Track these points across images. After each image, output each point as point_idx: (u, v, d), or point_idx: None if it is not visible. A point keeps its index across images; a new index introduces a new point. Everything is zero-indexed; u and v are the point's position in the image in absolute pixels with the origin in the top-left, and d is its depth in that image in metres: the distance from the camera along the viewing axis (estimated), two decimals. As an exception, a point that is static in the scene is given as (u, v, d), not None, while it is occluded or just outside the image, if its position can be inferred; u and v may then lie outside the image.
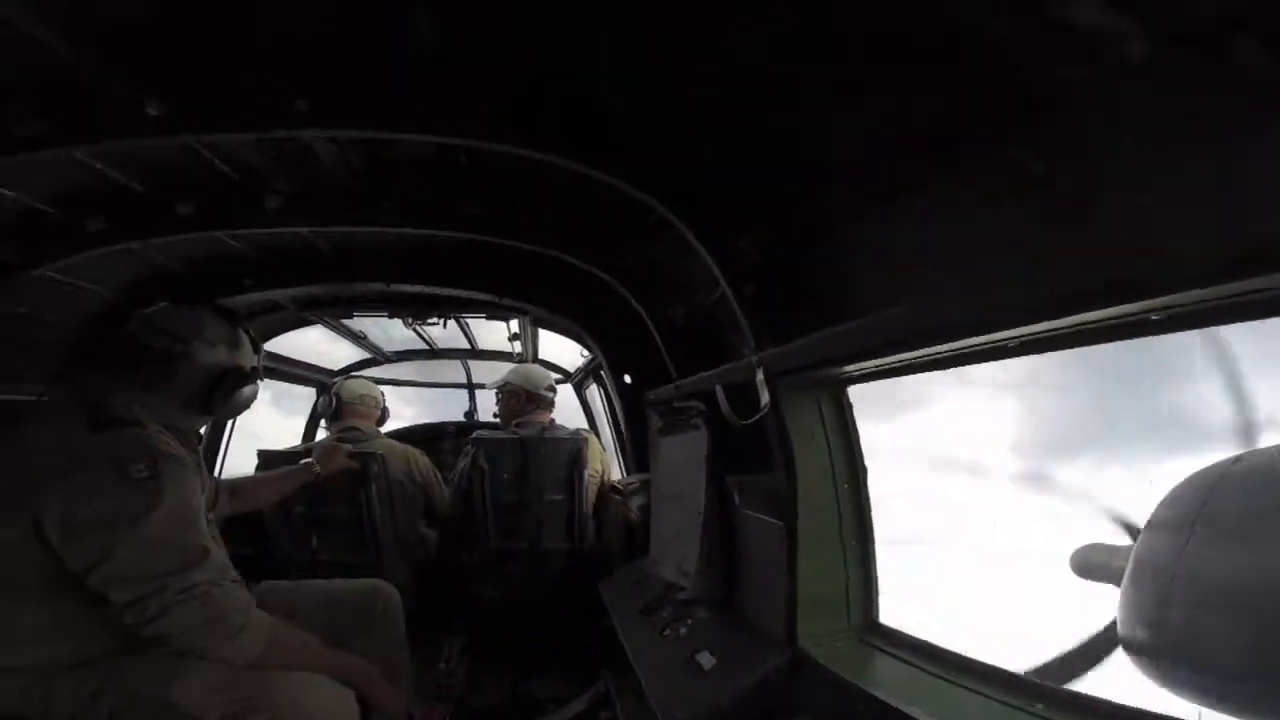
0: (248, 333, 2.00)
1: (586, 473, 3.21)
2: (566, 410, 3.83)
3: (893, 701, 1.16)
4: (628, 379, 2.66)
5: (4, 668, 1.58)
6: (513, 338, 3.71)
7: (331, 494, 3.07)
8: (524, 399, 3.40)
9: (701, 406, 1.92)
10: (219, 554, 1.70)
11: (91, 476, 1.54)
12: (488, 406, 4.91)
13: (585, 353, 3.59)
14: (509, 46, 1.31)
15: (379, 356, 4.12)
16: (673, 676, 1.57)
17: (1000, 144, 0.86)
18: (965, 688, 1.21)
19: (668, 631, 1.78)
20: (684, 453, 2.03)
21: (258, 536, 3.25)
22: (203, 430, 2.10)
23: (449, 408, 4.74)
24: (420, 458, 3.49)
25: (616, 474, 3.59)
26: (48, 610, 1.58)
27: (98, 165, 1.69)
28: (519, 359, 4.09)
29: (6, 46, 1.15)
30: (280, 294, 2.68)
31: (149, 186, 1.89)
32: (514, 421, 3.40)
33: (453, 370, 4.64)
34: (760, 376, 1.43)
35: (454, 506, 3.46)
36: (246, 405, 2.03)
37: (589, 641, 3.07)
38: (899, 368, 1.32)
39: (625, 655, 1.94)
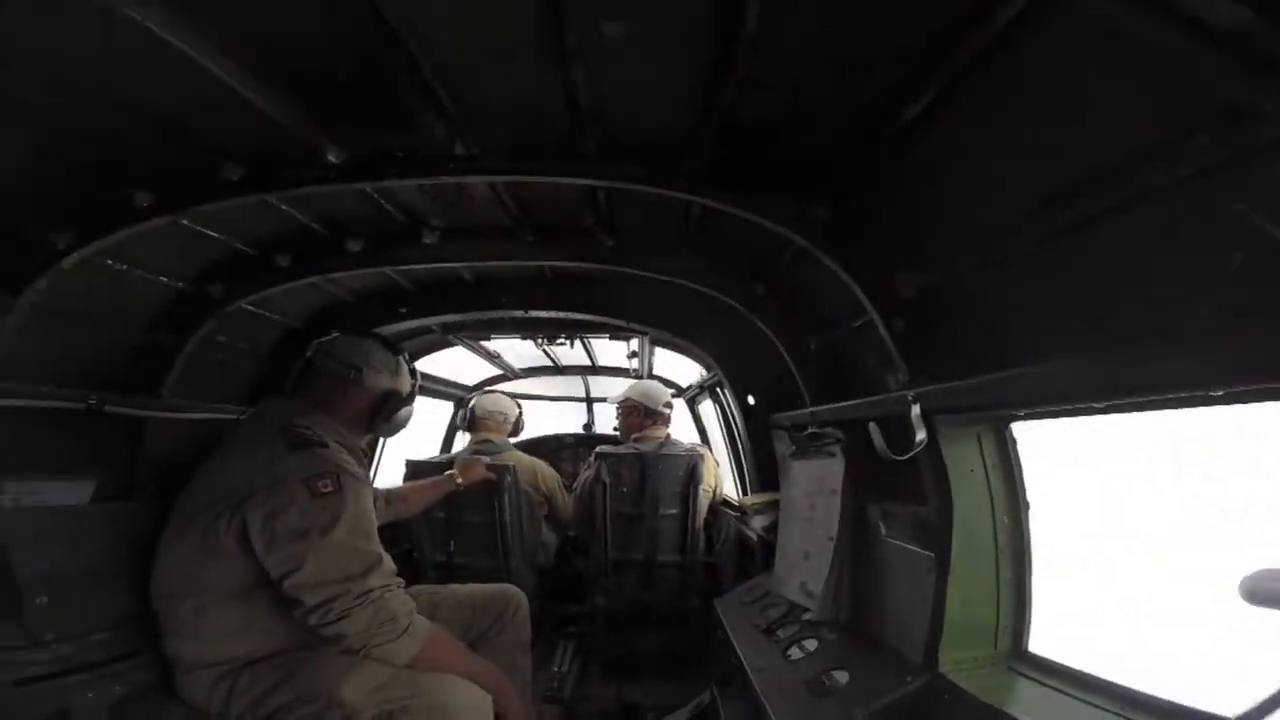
0: (406, 360, 2.21)
1: (701, 488, 3.26)
2: (676, 423, 3.86)
3: None
4: (751, 400, 2.67)
5: (196, 661, 1.84)
6: (631, 355, 3.82)
7: (468, 502, 3.31)
8: (642, 414, 3.51)
9: (839, 434, 1.90)
10: (388, 560, 1.88)
11: (289, 493, 1.76)
12: (603, 419, 5.10)
13: (703, 370, 3.62)
14: (654, 95, 1.38)
15: (509, 373, 4.37)
16: (796, 695, 1.57)
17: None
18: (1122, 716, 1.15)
19: (791, 650, 1.78)
20: (817, 478, 2.01)
21: (403, 540, 3.56)
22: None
23: (568, 420, 4.94)
24: (546, 470, 3.69)
25: (730, 489, 3.61)
26: (237, 611, 1.81)
27: (284, 208, 1.91)
28: (635, 375, 4.20)
29: (213, 103, 1.31)
30: (430, 320, 2.92)
31: (327, 227, 2.13)
32: (632, 436, 3.50)
33: (574, 385, 4.85)
34: (916, 412, 1.40)
35: (575, 516, 3.62)
36: (404, 425, 2.25)
37: (695, 653, 3.19)
38: (1073, 410, 1.25)
39: (733, 669, 1.96)
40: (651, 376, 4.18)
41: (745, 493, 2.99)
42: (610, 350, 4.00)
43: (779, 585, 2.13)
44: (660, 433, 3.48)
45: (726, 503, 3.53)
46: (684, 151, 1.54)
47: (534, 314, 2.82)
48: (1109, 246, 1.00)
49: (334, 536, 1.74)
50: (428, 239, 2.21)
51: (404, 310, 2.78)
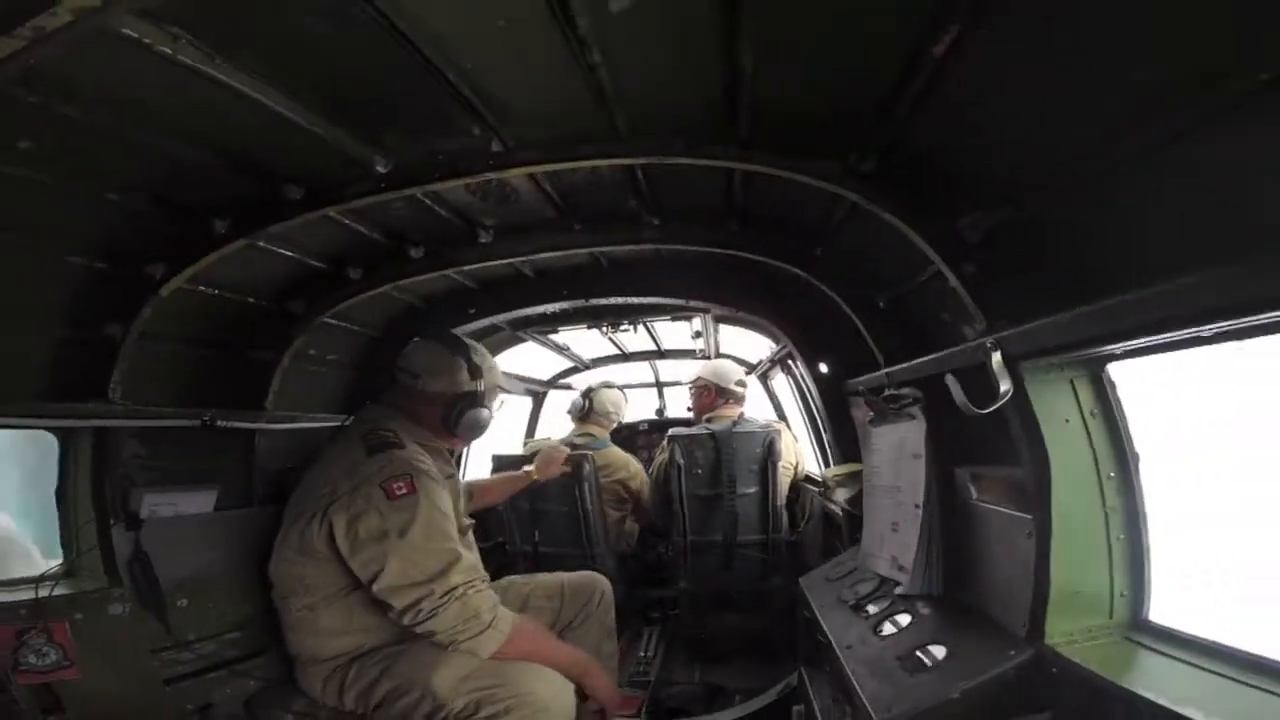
0: (473, 360, 2.23)
1: (780, 465, 3.20)
2: (751, 400, 3.80)
3: (1164, 702, 1.02)
4: (824, 368, 2.59)
5: (312, 657, 2.00)
6: (695, 335, 3.79)
7: (551, 493, 3.41)
8: (714, 393, 3.49)
9: (918, 394, 1.80)
10: (470, 556, 1.96)
11: (368, 496, 1.87)
12: (675, 403, 5.11)
13: (773, 343, 3.55)
14: (674, 68, 1.35)
15: (579, 364, 4.45)
16: (889, 672, 1.52)
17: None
18: (1264, 690, 1.03)
19: (883, 626, 1.73)
20: (898, 442, 1.92)
21: (495, 533, 3.72)
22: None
23: (640, 407, 4.97)
24: (637, 468, 3.78)
25: (811, 465, 3.53)
26: (340, 610, 1.95)
27: (347, 222, 2.00)
28: (702, 355, 4.17)
29: (270, 130, 1.40)
30: (498, 318, 3.01)
31: (388, 237, 2.22)
32: (705, 416, 3.49)
33: (643, 371, 4.88)
34: (997, 360, 1.31)
35: (652, 501, 3.66)
36: (483, 427, 2.28)
37: (779, 634, 3.13)
38: (1178, 341, 1.12)
39: (820, 648, 1.91)
40: (720, 355, 4.14)
41: (826, 466, 2.91)
42: (675, 333, 3.99)
43: (866, 560, 2.05)
44: (733, 411, 3.44)
45: (809, 479, 3.46)
46: (714, 121, 1.50)
47: (595, 302, 2.84)
48: (1208, 158, 0.89)
49: (411, 537, 1.83)
50: (483, 238, 2.27)
51: (472, 310, 2.87)
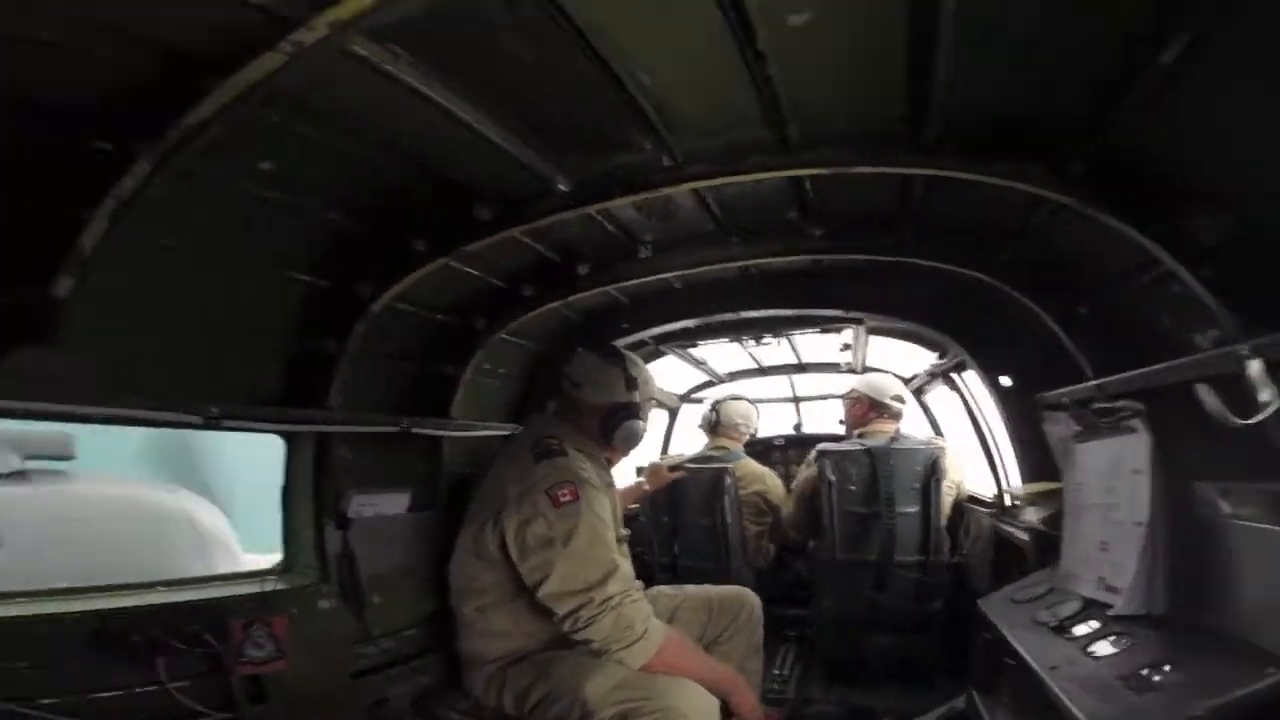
0: (630, 371, 2.28)
1: (944, 484, 3.01)
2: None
3: None
4: (1006, 381, 2.40)
5: (479, 657, 2.09)
6: (844, 348, 3.67)
7: (693, 505, 3.42)
8: (867, 406, 3.35)
9: (1138, 406, 1.63)
10: (626, 566, 1.99)
11: (535, 503, 1.95)
12: (815, 417, 4.96)
13: (932, 356, 3.36)
14: (856, 76, 1.34)
15: (714, 379, 4.46)
16: (1109, 691, 1.38)
17: None
18: None
19: (1094, 647, 1.60)
20: (1113, 458, 1.74)
21: (635, 544, 3.77)
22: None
23: (774, 422, 4.88)
24: (775, 481, 3.71)
25: (977, 485, 3.28)
26: (508, 613, 2.03)
27: (527, 241, 2.11)
28: (848, 369, 4.03)
29: (467, 149, 1.50)
30: (647, 333, 3.09)
31: (560, 254, 2.35)
32: (857, 431, 3.35)
33: (779, 386, 4.79)
34: (1256, 369, 1.15)
35: (793, 517, 3.55)
36: (637, 437, 2.32)
37: (936, 659, 2.97)
38: None
39: (1004, 671, 1.79)
40: (865, 369, 3.97)
41: (998, 485, 2.69)
42: (818, 346, 3.88)
43: (1067, 581, 1.88)
44: (888, 427, 3.28)
45: (974, 499, 3.23)
46: (896, 128, 1.47)
47: (743, 314, 2.83)
48: None
49: (574, 545, 1.89)
50: (642, 254, 2.34)
51: (625, 325, 2.97)
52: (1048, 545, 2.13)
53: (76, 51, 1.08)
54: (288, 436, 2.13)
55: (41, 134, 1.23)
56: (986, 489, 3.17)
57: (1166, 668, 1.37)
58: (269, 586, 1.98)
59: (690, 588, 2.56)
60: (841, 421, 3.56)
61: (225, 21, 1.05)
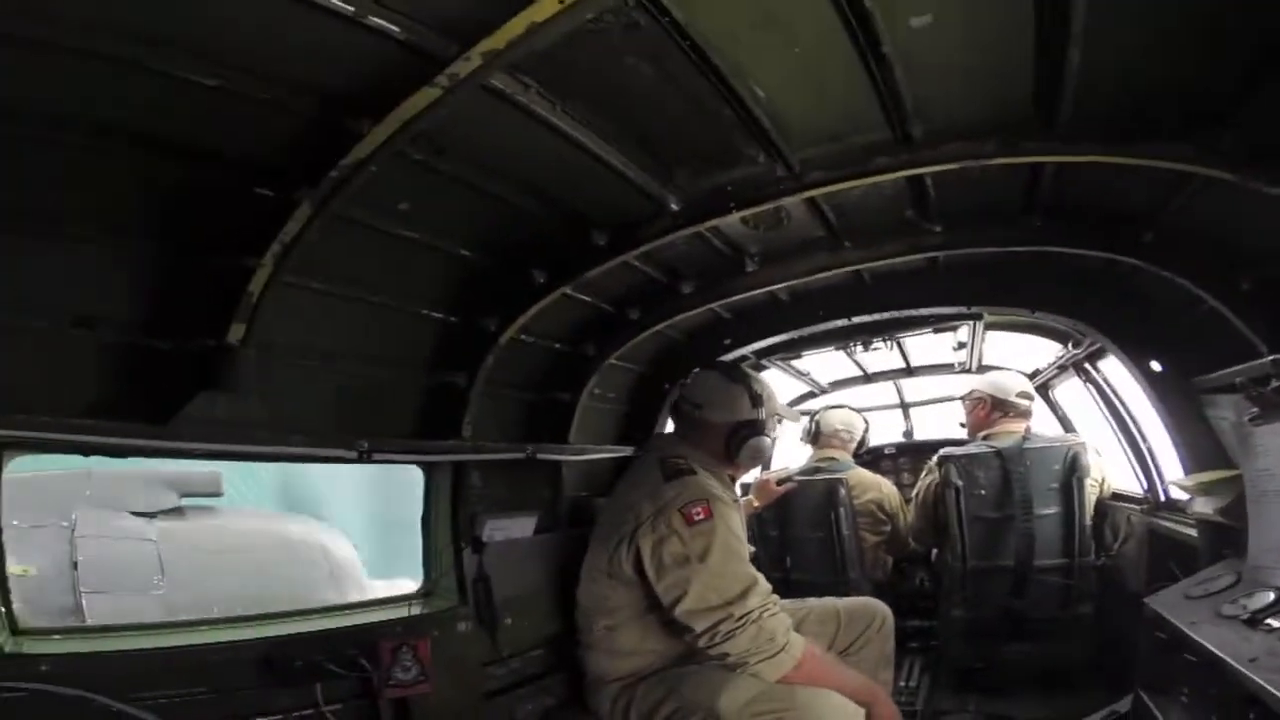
0: (754, 388, 2.26)
1: (1087, 481, 2.81)
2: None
3: None
4: (1157, 366, 2.22)
5: (605, 675, 2.09)
6: (958, 347, 3.50)
7: (804, 518, 3.34)
8: (989, 406, 3.18)
9: (1330, 379, 1.46)
10: (763, 579, 1.97)
11: (669, 522, 1.95)
12: (926, 422, 4.75)
13: (1058, 347, 3.15)
14: (981, 72, 1.31)
15: (815, 389, 4.36)
16: None
17: None
18: None
19: None
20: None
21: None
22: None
23: (881, 430, 4.70)
24: (890, 489, 3.59)
25: (1120, 481, 3.02)
26: (638, 630, 2.03)
27: (635, 264, 2.15)
28: (962, 368, 3.84)
29: (583, 173, 1.53)
30: (751, 347, 3.08)
31: (665, 275, 2.38)
32: (981, 433, 3.18)
33: (885, 392, 4.63)
34: None
35: (915, 527, 3.41)
36: (763, 454, 2.30)
37: (1085, 665, 2.79)
38: None
39: (1184, 670, 1.68)
40: (982, 368, 3.77)
41: (1154, 480, 2.46)
42: (928, 347, 3.72)
43: (1257, 573, 1.72)
44: (1016, 426, 3.09)
45: (1120, 495, 2.99)
46: (1026, 116, 1.42)
47: (854, 320, 2.77)
48: None
49: (710, 561, 1.88)
50: (749, 266, 2.34)
51: (728, 341, 2.97)
52: (1223, 538, 1.97)
53: (239, 99, 1.18)
54: (426, 466, 2.25)
55: (210, 184, 1.34)
56: (1131, 485, 2.93)
57: None
58: (413, 611, 2.07)
59: (814, 600, 2.49)
60: (962, 424, 3.38)
61: (379, 62, 1.13)
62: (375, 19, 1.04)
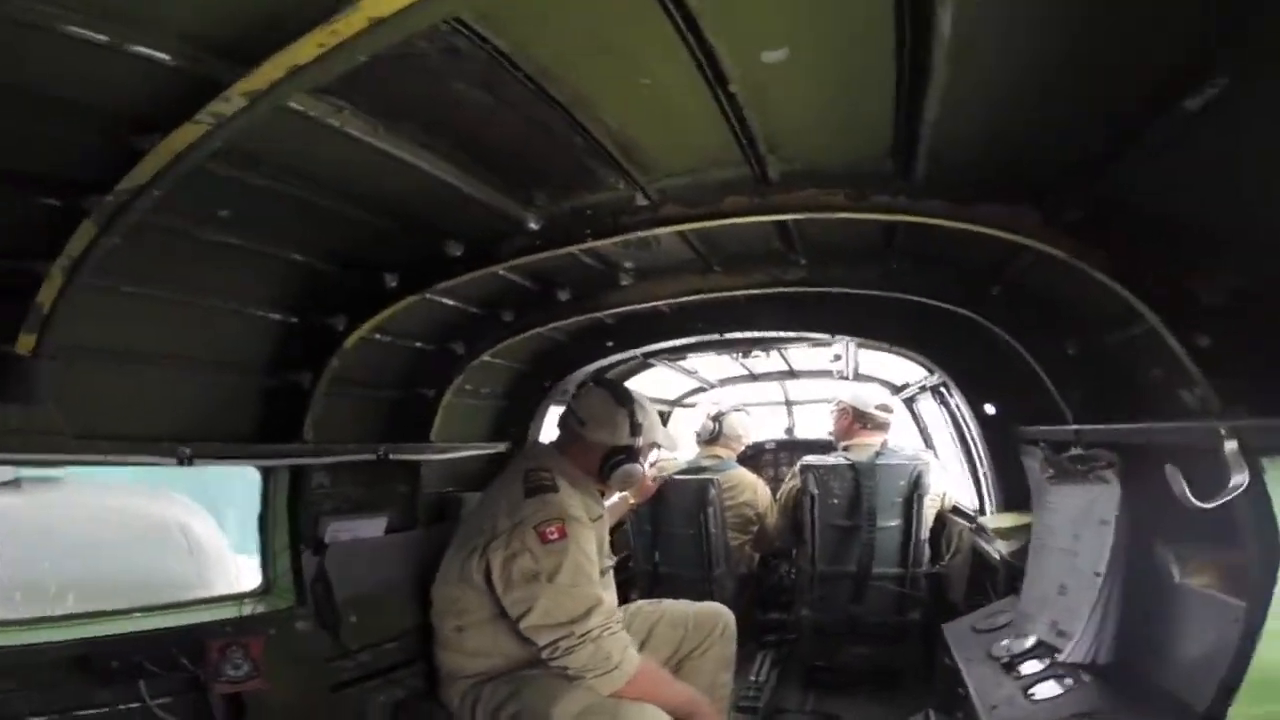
0: (638, 414, 2.28)
1: (927, 498, 3.05)
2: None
3: None
4: (991, 410, 2.38)
5: (456, 672, 2.15)
6: (834, 359, 3.64)
7: (676, 516, 3.46)
8: (851, 418, 3.34)
9: (1113, 458, 1.61)
10: (609, 599, 2.04)
11: (523, 538, 1.98)
12: (807, 421, 4.95)
13: (925, 371, 3.33)
14: (838, 116, 1.28)
15: (705, 385, 4.44)
16: None
17: None
18: None
19: (1036, 689, 1.65)
20: (1083, 505, 1.74)
21: (622, 548, 3.82)
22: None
23: (767, 426, 4.87)
24: (761, 488, 3.73)
25: (960, 496, 3.28)
26: (487, 633, 2.08)
27: (502, 273, 2.07)
28: (839, 376, 4.01)
29: (428, 191, 1.48)
30: (633, 351, 3.07)
31: (538, 283, 2.33)
32: (843, 443, 3.35)
33: (771, 389, 4.77)
34: (1231, 449, 1.13)
35: (778, 526, 3.60)
36: (634, 480, 2.34)
37: (908, 671, 3.03)
38: None
39: (958, 699, 1.84)
40: (859, 377, 3.95)
41: (983, 509, 2.69)
42: (808, 356, 3.85)
43: (1024, 619, 1.92)
44: (873, 439, 3.27)
45: (958, 510, 3.24)
46: (882, 167, 1.42)
47: (729, 336, 2.81)
48: None
49: (559, 581, 1.94)
50: (624, 281, 2.31)
51: (610, 344, 2.95)
52: (1013, 575, 2.15)
53: (16, 114, 1.08)
54: (263, 469, 2.16)
55: None
56: (971, 499, 3.17)
57: (1098, 717, 1.42)
58: (247, 610, 2.02)
59: (670, 603, 2.61)
60: (830, 433, 3.55)
61: (155, 86, 1.04)
62: (137, 46, 0.95)
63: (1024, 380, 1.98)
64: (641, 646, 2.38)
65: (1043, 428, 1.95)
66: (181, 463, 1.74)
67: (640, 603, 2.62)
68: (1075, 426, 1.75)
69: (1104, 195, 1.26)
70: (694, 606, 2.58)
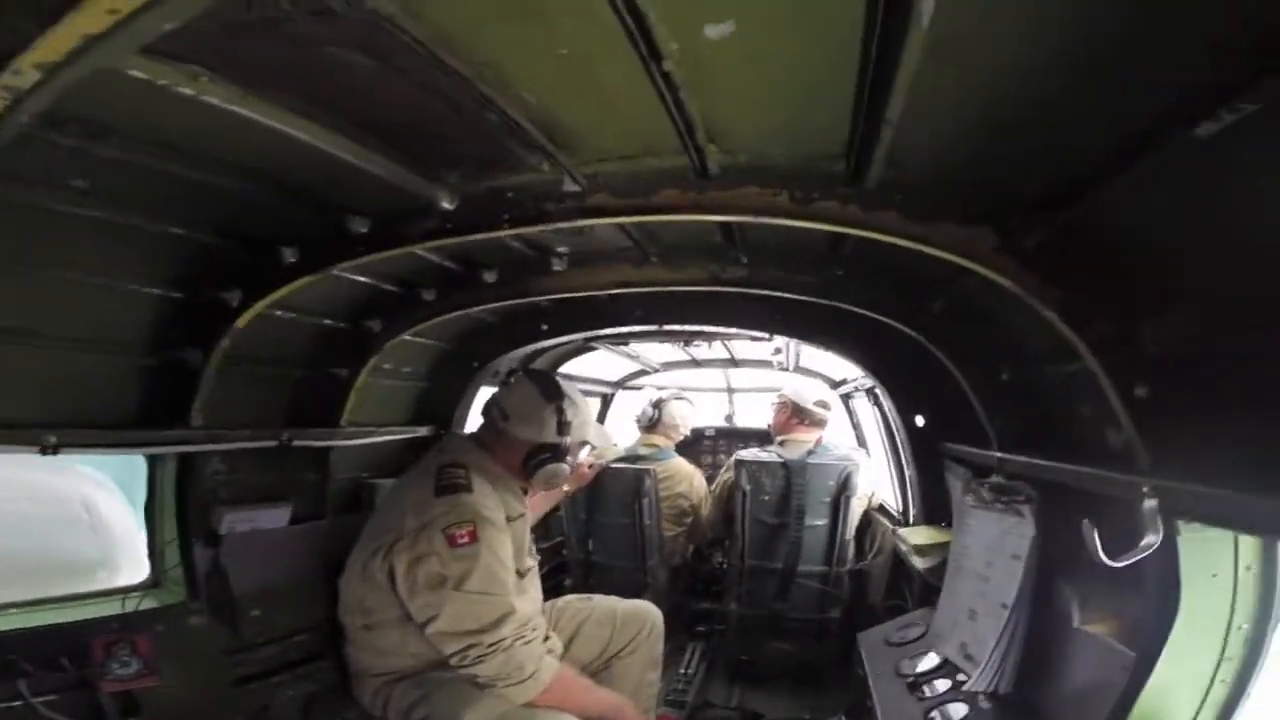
0: (561, 414, 2.13)
1: (854, 500, 3.06)
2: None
3: None
4: (920, 421, 2.37)
5: (365, 670, 2.06)
6: (775, 352, 3.61)
7: (611, 505, 3.39)
8: (789, 412, 3.32)
9: (1032, 493, 1.60)
10: (524, 607, 1.94)
11: (430, 541, 1.86)
12: (748, 408, 4.95)
13: (862, 373, 3.32)
14: (789, 109, 1.15)
15: (648, 369, 4.35)
16: None
17: None
18: None
19: (935, 714, 1.68)
20: (998, 536, 1.74)
21: (556, 531, 3.76)
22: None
23: (709, 411, 4.85)
24: (698, 479, 3.69)
25: (886, 495, 3.32)
26: (395, 634, 1.97)
27: (417, 252, 1.89)
28: (780, 367, 3.98)
29: (316, 161, 1.32)
30: (570, 337, 2.94)
31: (460, 264, 2.17)
32: (780, 437, 3.33)
33: (714, 376, 4.73)
34: (1150, 508, 1.10)
35: (712, 518, 3.59)
36: (560, 480, 2.20)
37: (830, 667, 3.08)
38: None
39: (866, 710, 1.86)
40: (799, 369, 3.93)
41: (907, 518, 2.71)
42: (751, 345, 3.81)
43: (935, 638, 1.94)
44: (808, 435, 3.26)
45: (884, 509, 3.28)
46: (832, 170, 1.30)
47: (668, 327, 2.71)
48: None
49: (468, 588, 1.82)
50: (557, 266, 2.17)
51: (545, 328, 2.80)
52: (929, 588, 2.17)
53: None
54: (149, 456, 2.00)
55: None
56: (897, 502, 3.22)
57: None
58: (135, 605, 1.89)
59: (599, 600, 2.55)
60: (769, 426, 3.54)
61: None
62: None
63: (955, 399, 1.95)
64: (569, 644, 2.35)
65: (969, 449, 1.94)
66: (45, 452, 1.59)
67: (569, 598, 2.55)
68: (999, 454, 1.73)
69: (1071, 225, 1.16)
70: (622, 604, 2.53)
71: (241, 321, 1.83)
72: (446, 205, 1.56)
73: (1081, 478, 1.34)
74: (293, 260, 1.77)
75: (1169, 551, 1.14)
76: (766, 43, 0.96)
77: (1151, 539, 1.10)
